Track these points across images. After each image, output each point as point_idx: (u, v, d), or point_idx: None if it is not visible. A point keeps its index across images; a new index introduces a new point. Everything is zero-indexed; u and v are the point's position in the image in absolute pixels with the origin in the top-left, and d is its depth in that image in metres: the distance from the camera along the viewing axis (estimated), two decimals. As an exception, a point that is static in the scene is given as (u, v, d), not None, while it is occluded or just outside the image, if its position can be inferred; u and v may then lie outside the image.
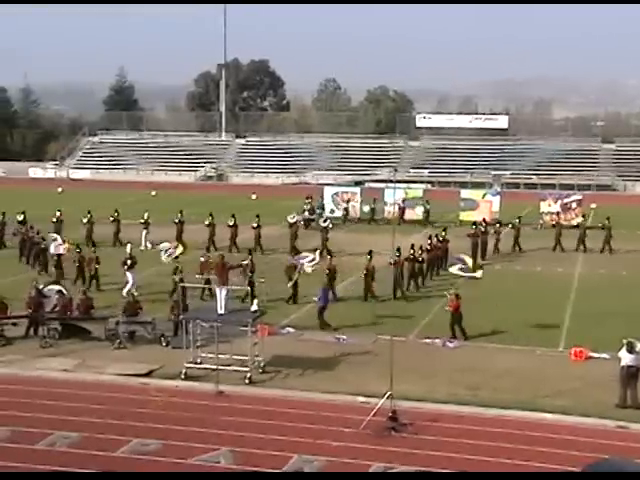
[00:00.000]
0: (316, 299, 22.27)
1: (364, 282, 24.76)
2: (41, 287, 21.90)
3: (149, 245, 33.26)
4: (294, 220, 34.98)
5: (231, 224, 33.74)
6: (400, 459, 13.42)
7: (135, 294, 22.89)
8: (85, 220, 34.40)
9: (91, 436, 14.19)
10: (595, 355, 19.19)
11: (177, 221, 34.50)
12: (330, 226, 34.51)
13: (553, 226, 38.08)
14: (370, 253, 25.03)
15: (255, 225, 33.81)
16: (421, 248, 27.34)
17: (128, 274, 24.83)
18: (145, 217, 35.04)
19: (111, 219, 35.02)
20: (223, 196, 57.01)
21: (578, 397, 16.44)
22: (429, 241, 29.10)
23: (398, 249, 24.83)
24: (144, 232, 34.03)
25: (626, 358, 16.14)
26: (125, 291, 24.22)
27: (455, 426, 14.92)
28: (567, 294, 26.44)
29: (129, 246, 26.75)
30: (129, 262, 25.18)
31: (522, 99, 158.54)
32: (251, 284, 22.14)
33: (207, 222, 34.09)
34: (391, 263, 24.94)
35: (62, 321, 20.68)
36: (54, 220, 34.72)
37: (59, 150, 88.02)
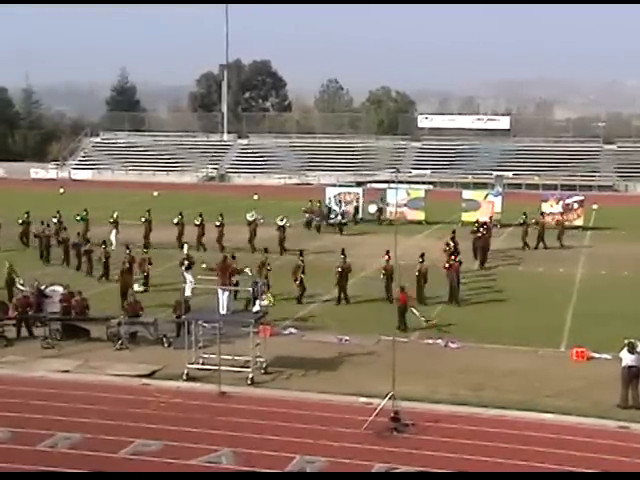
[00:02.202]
0: None
1: (384, 282, 24.65)
2: (43, 287, 21.93)
3: (115, 244, 32.79)
4: (252, 218, 35.26)
5: (218, 224, 34.17)
6: (402, 459, 13.42)
7: (189, 295, 22.92)
8: (197, 222, 34.40)
9: (93, 437, 14.19)
10: (596, 355, 19.20)
11: (177, 222, 34.55)
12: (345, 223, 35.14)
13: (534, 225, 37.66)
14: (388, 253, 25.12)
15: (218, 223, 34.16)
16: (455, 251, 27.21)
17: (187, 275, 24.74)
18: (115, 216, 35.08)
19: (142, 220, 35.08)
20: (225, 197, 57.01)
21: (579, 397, 16.45)
22: (451, 243, 29.09)
23: (452, 252, 24.85)
24: (114, 231, 33.87)
25: (627, 358, 16.14)
26: (188, 291, 23.38)
27: (457, 426, 14.91)
28: (569, 295, 26.43)
29: (186, 246, 26.69)
30: (187, 263, 25.08)
31: (524, 100, 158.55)
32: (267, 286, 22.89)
33: (197, 222, 34.34)
34: (446, 267, 24.85)
35: (63, 322, 20.70)
36: (77, 219, 34.92)
37: (61, 151, 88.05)
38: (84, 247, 29.57)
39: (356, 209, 44.58)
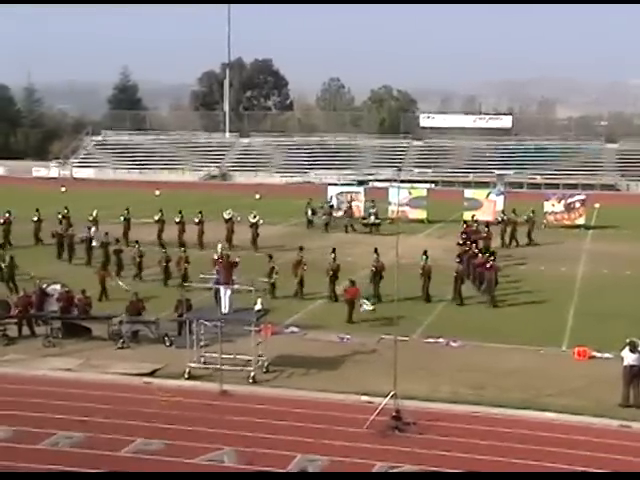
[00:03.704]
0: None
1: (422, 281, 24.76)
2: (44, 286, 21.94)
3: (95, 242, 32.51)
4: (229, 216, 35.41)
5: (197, 221, 34.32)
6: (404, 458, 13.42)
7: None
8: (197, 220, 34.35)
9: (95, 436, 14.19)
10: (598, 355, 19.21)
11: (178, 221, 34.60)
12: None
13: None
14: (425, 253, 25.22)
15: (197, 220, 34.28)
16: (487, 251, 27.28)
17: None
18: (94, 214, 35.07)
19: (156, 218, 35.11)
20: (227, 195, 57.00)
21: (581, 396, 16.46)
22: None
23: (492, 253, 25.03)
24: (93, 229, 33.70)
25: (629, 357, 16.17)
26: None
27: (459, 425, 14.91)
28: (570, 294, 26.42)
29: (219, 246, 26.66)
30: (220, 262, 25.07)
31: (526, 99, 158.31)
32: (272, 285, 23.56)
33: (197, 220, 34.42)
34: (487, 268, 24.81)
35: (64, 320, 20.72)
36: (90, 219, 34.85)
37: (62, 149, 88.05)
38: (114, 246, 29.26)
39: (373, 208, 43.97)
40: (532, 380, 17.52)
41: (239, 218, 35.64)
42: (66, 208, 36.35)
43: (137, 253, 27.64)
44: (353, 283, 22.48)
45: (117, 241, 30.40)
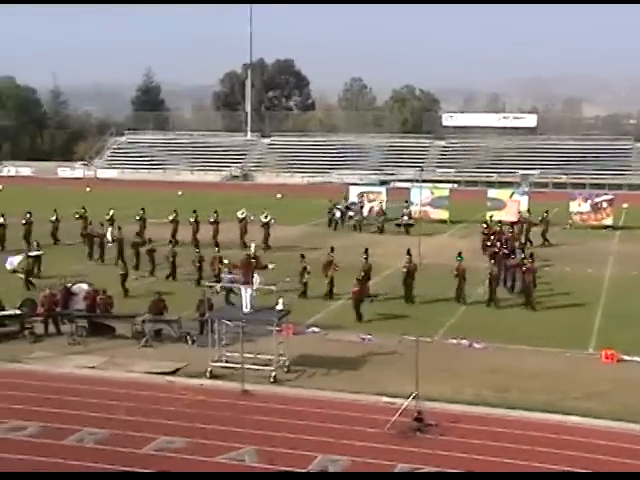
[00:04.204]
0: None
1: (457, 282, 24.66)
2: (70, 285, 22.14)
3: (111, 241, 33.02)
4: (243, 216, 35.48)
5: (212, 220, 34.44)
6: (425, 460, 13.32)
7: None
8: (212, 219, 34.64)
9: (118, 433, 14.29)
10: (626, 358, 18.90)
11: (192, 220, 34.75)
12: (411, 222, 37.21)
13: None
14: (460, 254, 25.30)
15: (212, 220, 34.37)
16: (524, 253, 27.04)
17: (255, 274, 24.79)
18: (110, 214, 35.25)
19: (170, 218, 35.31)
20: (248, 196, 57.16)
21: (607, 400, 16.19)
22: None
23: (531, 254, 24.89)
24: (109, 229, 33.97)
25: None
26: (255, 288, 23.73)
27: (481, 428, 14.77)
28: (597, 295, 26.07)
29: (253, 245, 26.74)
30: (253, 261, 25.18)
31: (551, 97, 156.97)
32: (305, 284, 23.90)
33: (212, 219, 34.56)
34: (524, 271, 24.64)
35: (89, 319, 20.90)
36: (107, 218, 35.12)
37: (87, 150, 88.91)
38: (147, 246, 29.42)
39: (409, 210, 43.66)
40: (557, 383, 17.29)
41: (252, 217, 35.70)
42: (83, 208, 36.49)
43: (171, 253, 27.75)
44: (359, 282, 22.35)
45: (150, 241, 30.46)
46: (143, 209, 36.07)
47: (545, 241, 36.19)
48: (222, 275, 24.24)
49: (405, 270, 24.71)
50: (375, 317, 22.79)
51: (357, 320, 22.26)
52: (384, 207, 42.90)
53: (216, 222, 34.53)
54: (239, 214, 35.66)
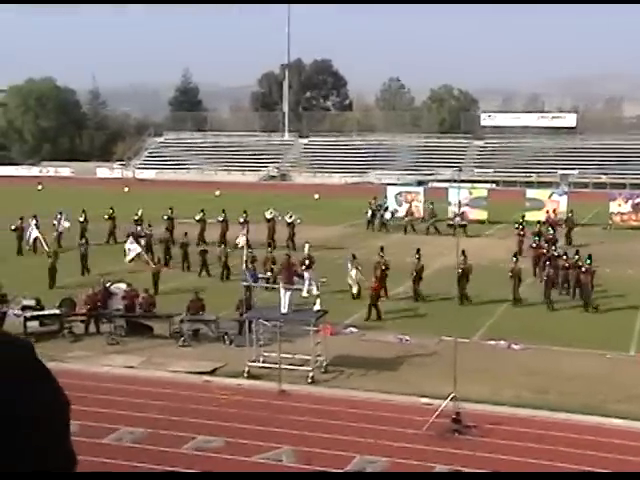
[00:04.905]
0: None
1: (512, 284, 24.51)
2: (108, 285, 22.41)
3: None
4: (272, 215, 35.43)
5: (221, 219, 34.56)
6: (464, 461, 13.21)
7: (315, 293, 23.29)
8: (242, 219, 34.57)
9: (156, 432, 14.40)
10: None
11: (221, 220, 34.96)
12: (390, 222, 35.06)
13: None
14: (515, 255, 25.32)
15: (242, 220, 34.26)
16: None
17: (306, 274, 25.03)
18: (139, 214, 35.38)
19: (197, 218, 35.26)
20: (285, 196, 57.31)
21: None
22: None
23: (589, 256, 24.65)
24: (138, 228, 34.15)
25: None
26: (305, 291, 23.01)
27: (520, 429, 14.61)
28: (638, 297, 25.59)
29: (307, 246, 26.70)
30: (307, 262, 25.33)
31: (591, 96, 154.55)
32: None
33: (241, 219, 34.43)
34: (584, 272, 24.33)
35: (127, 318, 21.14)
36: (135, 219, 35.37)
37: (126, 150, 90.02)
38: (200, 247, 29.65)
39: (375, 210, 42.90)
40: (597, 385, 17.04)
41: (280, 217, 35.73)
42: (111, 208, 36.55)
43: (223, 253, 27.95)
44: (377, 279, 22.37)
45: (203, 242, 30.65)
46: (171, 209, 36.18)
47: (569, 241, 35.51)
48: (245, 273, 24.06)
49: (460, 270, 24.44)
50: (413, 317, 22.68)
51: (376, 318, 22.14)
52: (427, 208, 42.63)
53: (246, 222, 34.63)
54: (268, 214, 35.77)
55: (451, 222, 40.05)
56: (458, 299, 24.21)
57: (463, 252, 25.13)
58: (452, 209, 41.95)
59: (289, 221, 34.94)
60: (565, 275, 25.35)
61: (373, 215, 41.56)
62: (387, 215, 41.39)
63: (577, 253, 25.56)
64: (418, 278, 24.67)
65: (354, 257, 25.40)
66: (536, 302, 24.66)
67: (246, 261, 26.31)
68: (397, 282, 25.52)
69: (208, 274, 28.38)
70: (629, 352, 19.62)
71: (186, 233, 31.13)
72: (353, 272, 24.84)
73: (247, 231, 33.81)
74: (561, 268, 25.42)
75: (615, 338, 20.65)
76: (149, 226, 32.04)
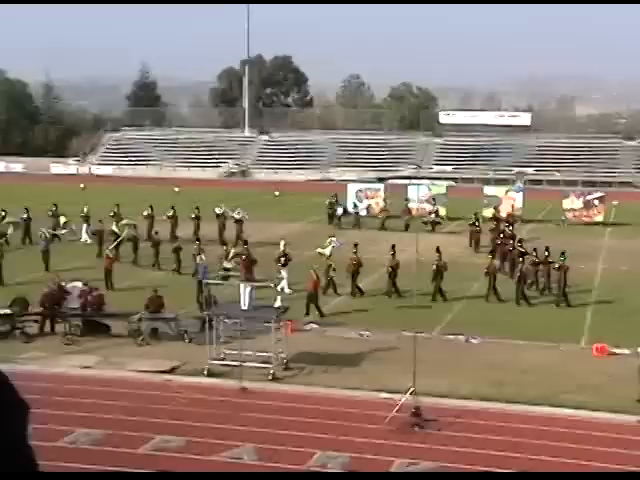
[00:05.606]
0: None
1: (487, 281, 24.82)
2: (63, 283, 21.94)
3: (87, 238, 33.77)
4: (221, 211, 35.50)
5: (170, 215, 34.56)
6: (424, 455, 13.36)
7: (288, 291, 23.27)
8: (193, 215, 34.51)
9: (114, 433, 14.22)
10: (617, 351, 19.13)
11: (170, 215, 34.82)
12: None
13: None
14: (491, 252, 25.58)
15: (194, 216, 34.44)
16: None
17: (282, 271, 24.84)
18: (85, 210, 35.25)
19: (169, 214, 35.20)
20: (246, 192, 57.07)
21: (599, 393, 16.38)
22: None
23: (563, 252, 24.89)
24: (84, 226, 34.17)
25: (644, 354, 16.15)
26: (279, 287, 23.31)
27: (479, 422, 14.84)
28: (589, 290, 26.20)
29: (282, 243, 26.52)
30: (283, 259, 25.20)
31: (545, 96, 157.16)
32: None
33: (193, 215, 34.67)
34: (557, 268, 24.55)
35: (84, 317, 20.77)
36: (81, 215, 35.11)
37: (81, 146, 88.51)
38: (175, 244, 29.28)
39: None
40: (551, 377, 17.43)
41: (230, 213, 35.66)
42: (54, 205, 36.03)
43: (197, 250, 27.39)
44: (317, 276, 22.44)
45: (176, 238, 30.27)
46: (151, 206, 35.93)
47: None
48: (198, 269, 23.98)
49: (434, 268, 24.60)
50: (374, 313, 22.82)
51: (318, 314, 22.14)
52: (375, 204, 43.12)
53: (197, 218, 34.58)
54: (217, 210, 35.70)
55: (425, 219, 40.39)
56: (432, 297, 24.41)
57: (437, 249, 25.40)
58: (413, 205, 42.27)
59: (237, 217, 34.85)
60: (535, 271, 25.68)
61: (335, 210, 41.70)
62: (339, 210, 41.54)
63: (547, 249, 25.95)
64: (394, 274, 24.81)
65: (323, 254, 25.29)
66: (492, 297, 24.94)
67: (194, 255, 26.14)
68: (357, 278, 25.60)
69: (178, 271, 27.94)
70: (580, 344, 20.14)
71: (157, 232, 30.89)
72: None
73: (198, 226, 33.52)
74: (531, 264, 25.73)
75: (567, 330, 21.17)
76: (156, 233, 31.62)
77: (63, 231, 33.91)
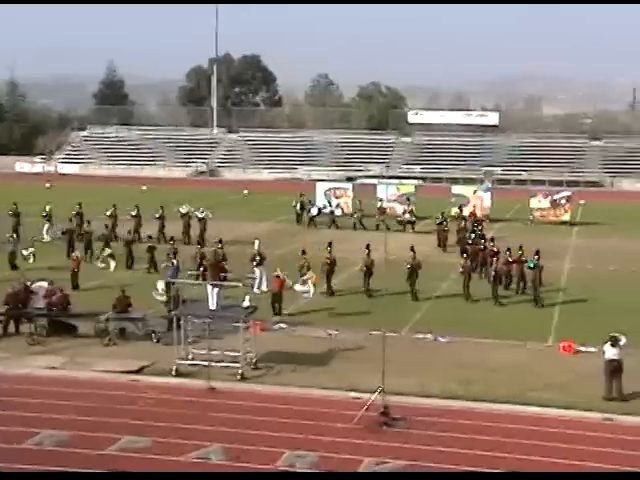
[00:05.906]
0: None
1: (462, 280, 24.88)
2: (29, 283, 21.63)
3: (48, 237, 33.51)
4: (186, 210, 35.46)
5: (134, 214, 34.40)
6: (392, 454, 13.39)
7: (265, 290, 23.16)
8: (157, 215, 34.19)
9: (80, 434, 14.04)
10: (583, 349, 19.37)
11: (134, 214, 34.59)
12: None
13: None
14: (465, 252, 25.53)
15: (157, 215, 34.49)
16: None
17: (257, 270, 24.63)
18: (47, 209, 34.97)
19: (133, 214, 34.83)
20: (215, 192, 56.80)
21: (566, 390, 16.57)
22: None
23: (537, 252, 24.85)
24: (46, 225, 33.89)
25: (609, 352, 16.46)
26: (256, 287, 23.53)
27: (447, 420, 14.92)
28: (556, 289, 26.50)
29: (257, 242, 26.28)
30: (258, 258, 25.01)
31: (513, 96, 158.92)
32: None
33: (157, 215, 34.57)
34: (531, 267, 24.58)
35: (50, 318, 20.48)
36: (43, 214, 34.68)
37: (47, 144, 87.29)
38: (148, 243, 28.90)
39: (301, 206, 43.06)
40: (518, 375, 17.59)
41: (195, 212, 35.48)
42: (15, 204, 35.28)
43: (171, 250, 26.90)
44: (278, 276, 22.36)
45: (149, 238, 30.01)
46: (115, 205, 35.56)
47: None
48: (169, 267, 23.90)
49: (409, 267, 24.64)
50: (342, 312, 22.84)
51: (279, 314, 22.07)
52: (344, 203, 43.27)
53: (162, 217, 34.44)
54: (182, 209, 35.53)
55: (400, 219, 40.54)
56: (410, 296, 24.46)
57: (412, 248, 25.46)
58: (383, 204, 42.45)
59: (200, 216, 34.69)
60: (508, 270, 25.85)
61: (302, 209, 41.66)
62: (314, 210, 41.52)
63: (520, 248, 26.14)
64: (369, 273, 24.81)
65: (303, 253, 25.18)
66: (459, 295, 25.08)
67: (168, 255, 25.93)
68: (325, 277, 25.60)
69: (156, 270, 27.65)
70: (547, 342, 20.35)
71: (130, 231, 30.61)
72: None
73: (163, 225, 33.21)
74: (504, 263, 25.85)
75: (534, 329, 21.39)
76: (128, 232, 31.26)
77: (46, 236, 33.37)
